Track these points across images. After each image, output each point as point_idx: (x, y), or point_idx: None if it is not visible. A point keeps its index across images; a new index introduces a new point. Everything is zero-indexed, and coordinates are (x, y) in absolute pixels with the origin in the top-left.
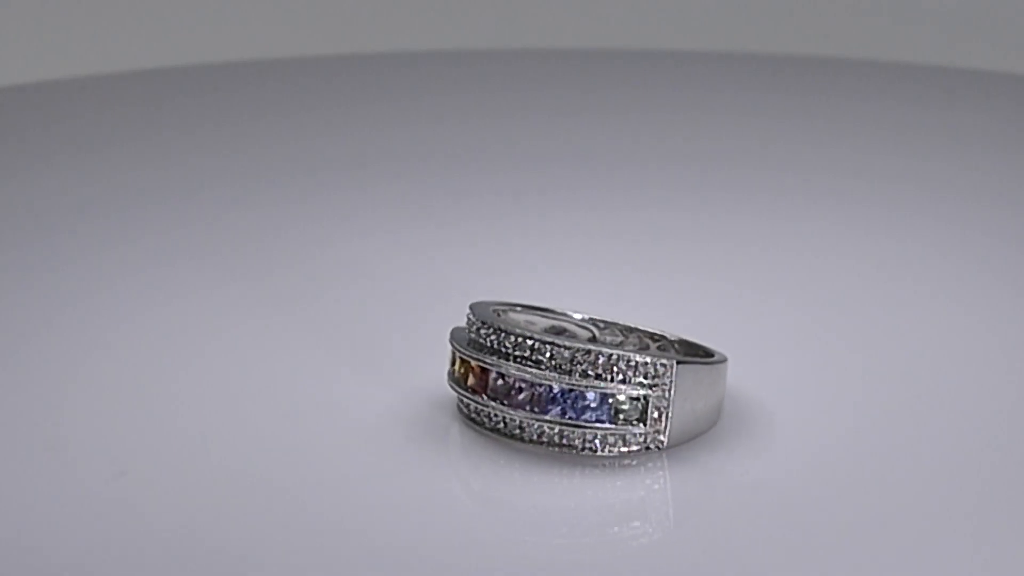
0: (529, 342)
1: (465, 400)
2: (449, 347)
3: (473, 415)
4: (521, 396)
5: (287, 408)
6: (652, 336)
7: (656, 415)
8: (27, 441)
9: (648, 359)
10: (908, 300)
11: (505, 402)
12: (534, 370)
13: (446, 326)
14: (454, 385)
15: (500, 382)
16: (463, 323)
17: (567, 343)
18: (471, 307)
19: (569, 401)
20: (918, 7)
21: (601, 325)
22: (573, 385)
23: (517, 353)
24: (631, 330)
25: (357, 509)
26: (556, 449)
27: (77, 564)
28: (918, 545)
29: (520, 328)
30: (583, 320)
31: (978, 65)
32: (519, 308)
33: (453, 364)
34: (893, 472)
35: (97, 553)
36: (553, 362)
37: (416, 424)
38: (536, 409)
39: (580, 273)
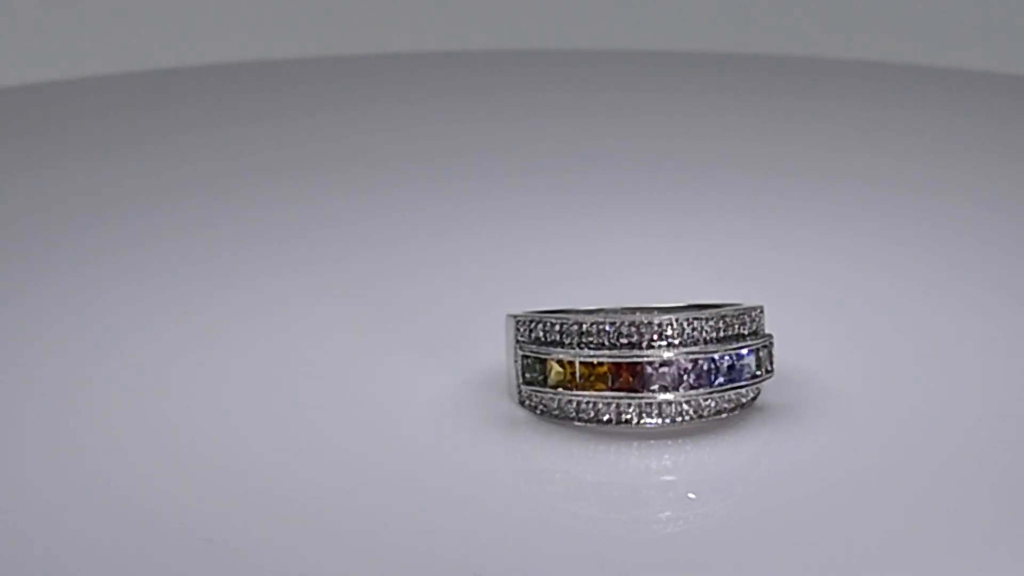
0: (675, 326)
1: (600, 403)
2: (541, 358)
3: (613, 415)
4: (689, 377)
5: (334, 399)
6: (677, 308)
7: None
8: (62, 437)
9: (754, 309)
10: (915, 298)
11: (673, 388)
12: (707, 347)
13: (479, 321)
14: (577, 393)
15: (655, 372)
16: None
17: (710, 312)
18: (563, 314)
19: (727, 366)
20: (917, 8)
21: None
22: (733, 349)
23: (668, 340)
24: (658, 309)
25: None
26: (717, 417)
27: (121, 565)
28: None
29: (650, 315)
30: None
31: (978, 65)
32: (557, 314)
33: (570, 376)
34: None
35: (137, 557)
36: (704, 335)
37: (479, 410)
38: (701, 384)
39: (591, 269)
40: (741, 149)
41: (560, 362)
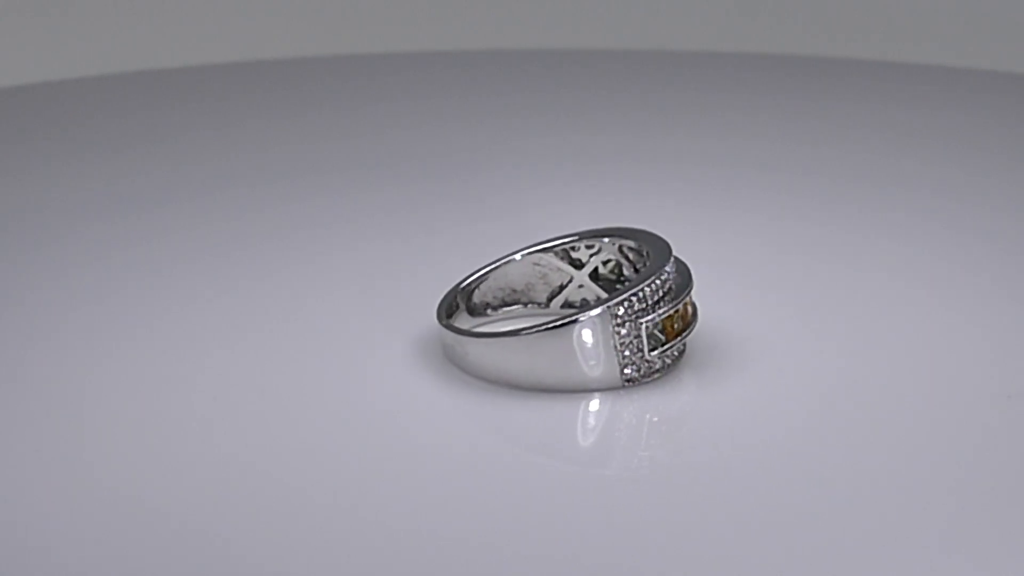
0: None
1: (677, 347)
2: (662, 320)
3: (679, 351)
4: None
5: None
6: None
7: None
8: (56, 440)
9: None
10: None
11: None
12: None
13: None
14: (678, 339)
15: (691, 308)
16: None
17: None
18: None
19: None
20: (918, 7)
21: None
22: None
23: (679, 275)
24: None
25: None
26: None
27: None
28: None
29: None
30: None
31: (978, 65)
32: (651, 280)
33: (672, 327)
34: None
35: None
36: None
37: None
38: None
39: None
40: (739, 148)
41: (669, 317)
